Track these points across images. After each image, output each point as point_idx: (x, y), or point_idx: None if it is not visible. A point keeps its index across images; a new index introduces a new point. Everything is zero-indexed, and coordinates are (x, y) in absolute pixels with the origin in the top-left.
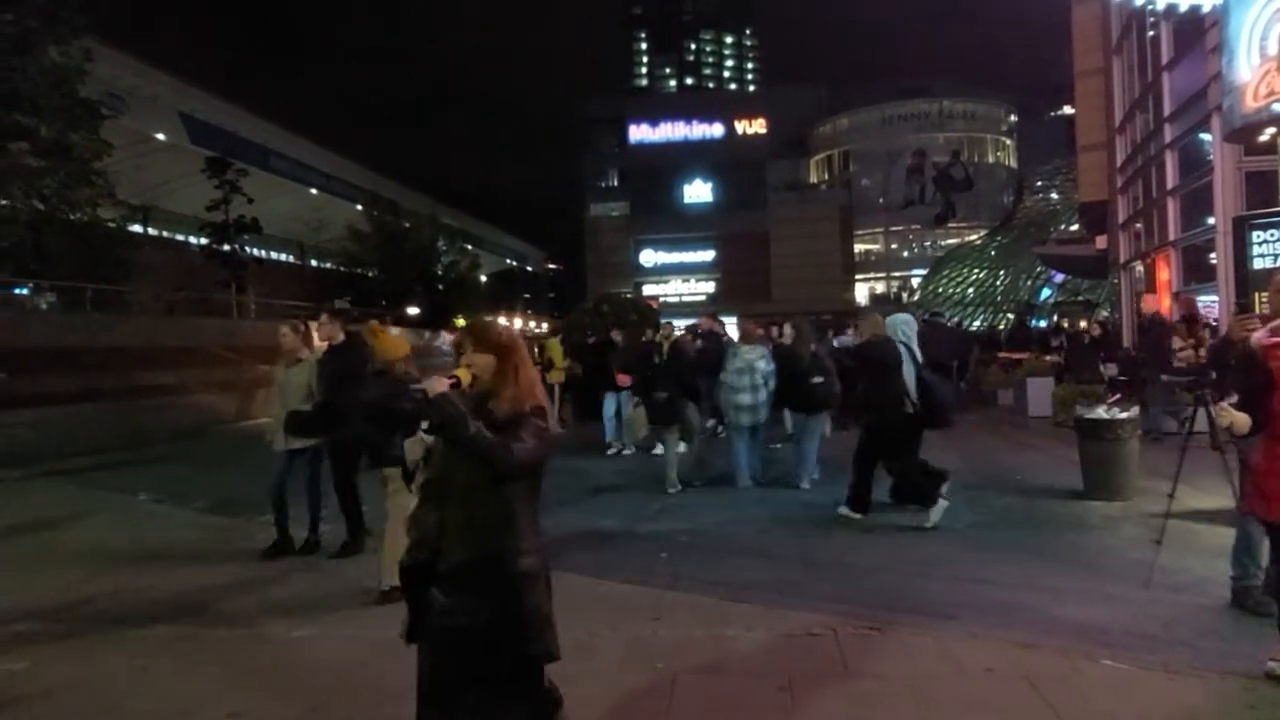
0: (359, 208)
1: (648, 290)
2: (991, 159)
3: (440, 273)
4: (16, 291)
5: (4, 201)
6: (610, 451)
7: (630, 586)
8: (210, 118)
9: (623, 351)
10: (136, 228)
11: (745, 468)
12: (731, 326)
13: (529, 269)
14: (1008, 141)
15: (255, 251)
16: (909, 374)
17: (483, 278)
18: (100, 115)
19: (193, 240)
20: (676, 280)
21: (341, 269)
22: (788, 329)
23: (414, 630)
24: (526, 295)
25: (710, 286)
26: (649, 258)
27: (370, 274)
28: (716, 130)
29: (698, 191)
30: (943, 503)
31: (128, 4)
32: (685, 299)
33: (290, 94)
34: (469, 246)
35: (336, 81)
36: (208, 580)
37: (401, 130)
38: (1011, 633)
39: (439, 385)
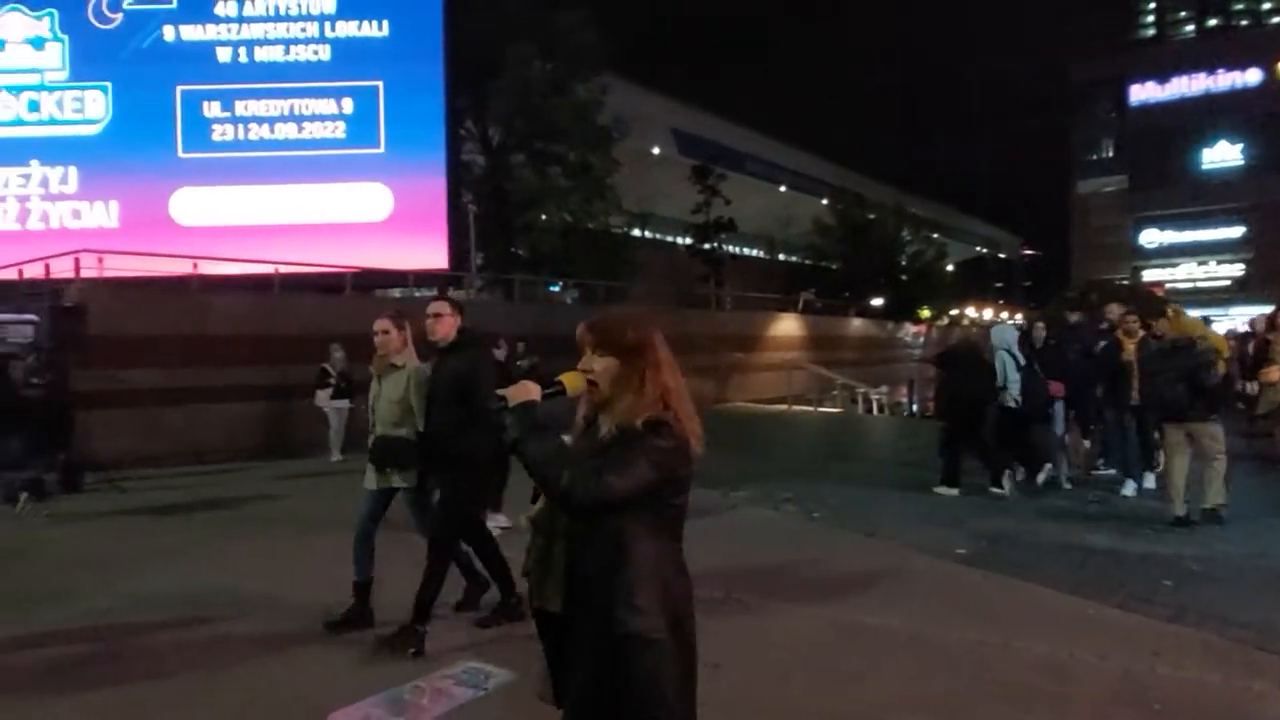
0: (824, 202)
1: (1149, 276)
2: None
3: (904, 263)
4: (551, 289)
5: (544, 216)
6: (1040, 478)
7: (1123, 613)
8: (695, 130)
9: (1055, 350)
10: (636, 232)
11: None
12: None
13: (1001, 256)
14: None
15: (731, 249)
16: (1012, 375)
17: (949, 267)
18: (611, 138)
19: (679, 241)
20: (1189, 263)
21: (807, 262)
22: None
23: (557, 690)
24: (998, 284)
25: (1237, 270)
26: (1151, 237)
27: (834, 266)
28: (1251, 77)
29: (1221, 154)
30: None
31: (625, 33)
32: (1200, 285)
33: (759, 95)
34: (935, 235)
35: (800, 77)
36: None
37: (868, 119)
38: None
39: (525, 392)
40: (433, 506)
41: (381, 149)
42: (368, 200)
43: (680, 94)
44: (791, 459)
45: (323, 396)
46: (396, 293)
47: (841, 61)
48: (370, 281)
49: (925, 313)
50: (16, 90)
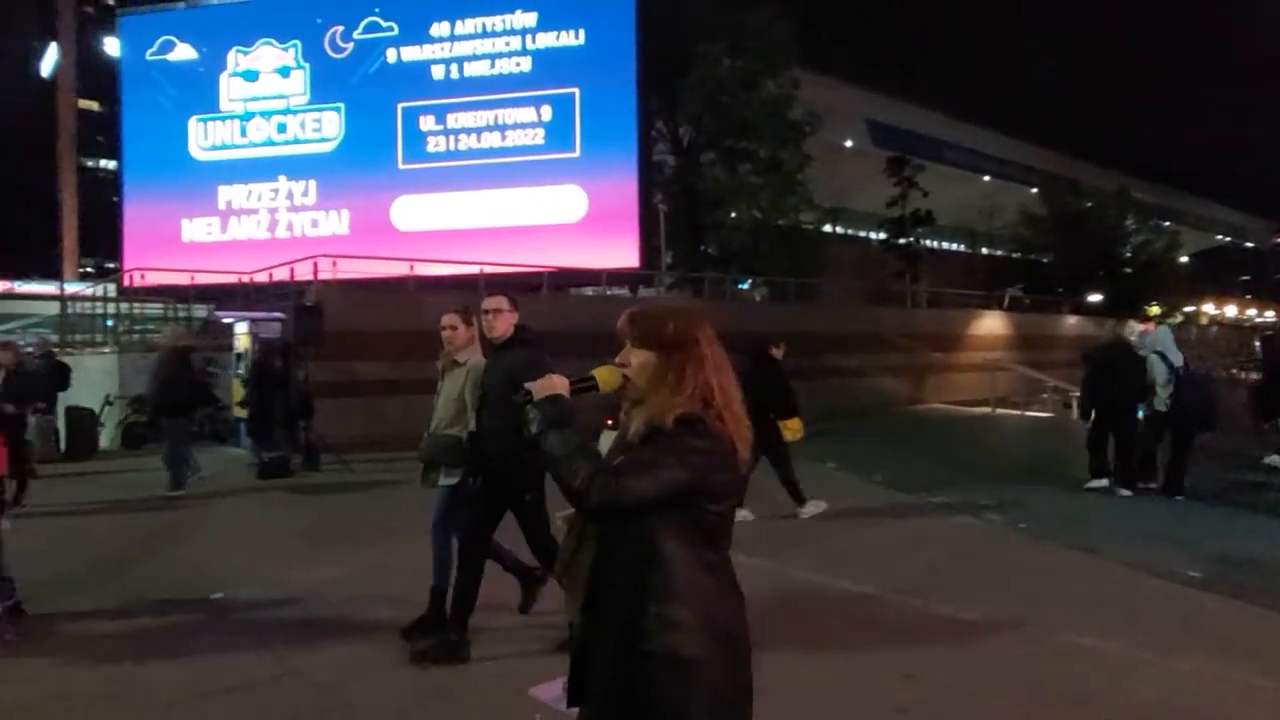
0: (1033, 191)
1: None
2: None
3: (1128, 255)
4: (740, 286)
5: (734, 214)
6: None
7: None
8: (890, 120)
9: None
10: (828, 228)
11: None
12: None
13: (1248, 245)
14: None
15: (928, 243)
16: (1162, 379)
17: (1183, 258)
18: (803, 133)
19: (872, 236)
20: None
21: (1013, 256)
22: None
23: (572, 689)
24: (1245, 277)
25: None
26: None
27: (1045, 260)
28: None
29: None
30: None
31: (817, 22)
32: None
33: (962, 79)
34: (1165, 224)
35: (1015, 61)
36: (888, 565)
37: (1089, 99)
38: None
39: (552, 385)
40: (464, 511)
41: (577, 153)
42: (564, 202)
43: (875, 82)
44: (995, 464)
45: None
46: (589, 291)
47: (1058, 35)
48: (565, 281)
49: (1154, 309)
50: (268, 114)
